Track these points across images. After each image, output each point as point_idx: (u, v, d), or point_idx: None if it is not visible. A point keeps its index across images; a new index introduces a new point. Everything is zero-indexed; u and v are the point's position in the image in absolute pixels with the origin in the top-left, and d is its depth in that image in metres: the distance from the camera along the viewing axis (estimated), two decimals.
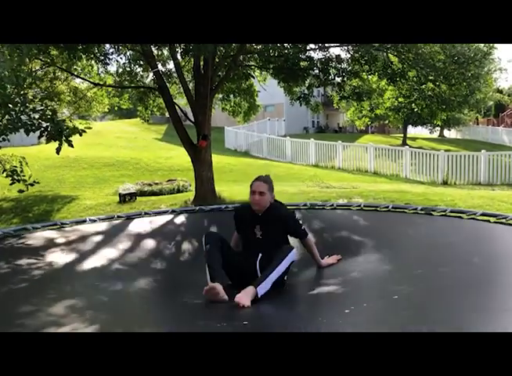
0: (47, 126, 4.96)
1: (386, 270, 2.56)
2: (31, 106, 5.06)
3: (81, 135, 5.12)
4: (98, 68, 9.17)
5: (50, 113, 5.12)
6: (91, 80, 9.11)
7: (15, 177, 6.33)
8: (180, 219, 4.14)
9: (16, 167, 6.55)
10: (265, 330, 1.95)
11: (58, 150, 5.05)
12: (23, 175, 6.44)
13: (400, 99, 15.32)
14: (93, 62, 8.66)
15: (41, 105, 5.25)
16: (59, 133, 4.90)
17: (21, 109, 4.84)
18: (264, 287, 2.32)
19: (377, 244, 3.01)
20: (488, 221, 3.21)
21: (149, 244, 3.34)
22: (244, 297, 2.22)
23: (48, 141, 5.06)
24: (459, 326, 1.68)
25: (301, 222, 2.89)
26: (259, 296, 2.28)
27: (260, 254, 2.59)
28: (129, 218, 4.09)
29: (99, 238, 3.51)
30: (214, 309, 2.18)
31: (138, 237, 3.46)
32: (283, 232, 2.75)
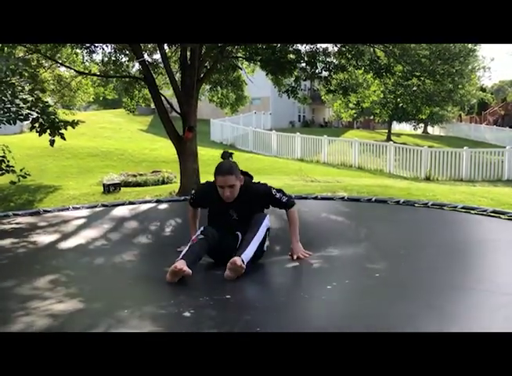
0: (37, 117, 4.92)
1: (367, 250, 2.63)
2: (21, 97, 4.98)
3: (73, 127, 5.10)
4: (83, 56, 9.06)
5: (41, 104, 5.06)
6: (75, 68, 9.00)
7: (3, 167, 6.20)
8: (164, 207, 4.14)
9: (4, 157, 6.41)
10: (247, 305, 2.00)
11: (52, 143, 5.03)
12: (12, 166, 6.30)
13: (387, 96, 15.48)
14: (78, 50, 8.56)
15: (32, 96, 5.17)
16: (52, 126, 4.88)
17: (9, 99, 4.78)
18: (247, 254, 2.30)
19: (358, 228, 3.07)
20: (469, 212, 3.29)
21: (132, 227, 3.35)
22: (236, 262, 2.18)
23: (40, 134, 5.02)
24: (439, 303, 1.80)
25: (280, 193, 2.64)
26: (244, 263, 2.23)
27: (239, 234, 2.52)
28: (113, 205, 4.08)
29: (81, 222, 3.52)
30: (196, 284, 2.20)
31: (121, 221, 3.47)
32: (260, 209, 2.63)
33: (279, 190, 2.66)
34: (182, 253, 2.32)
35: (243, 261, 2.23)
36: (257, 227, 2.45)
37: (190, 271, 2.16)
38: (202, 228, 2.53)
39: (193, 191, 2.93)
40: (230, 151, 2.69)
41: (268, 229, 2.54)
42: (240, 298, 2.12)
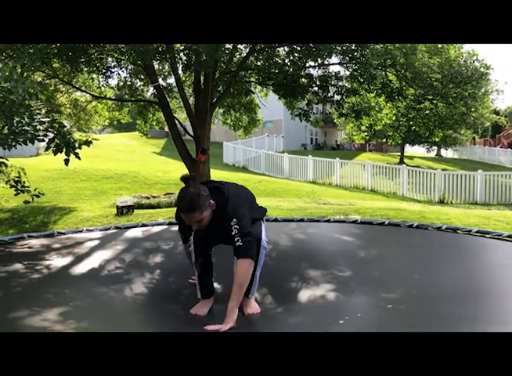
0: (53, 138, 5.02)
1: (380, 276, 2.59)
2: (37, 119, 5.11)
3: (88, 146, 5.19)
4: (98, 81, 9.25)
5: (57, 125, 5.17)
6: (91, 93, 9.19)
7: (18, 187, 6.32)
8: (176, 229, 4.15)
9: (19, 178, 6.55)
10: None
11: (66, 162, 5.12)
12: (28, 186, 6.44)
13: (400, 118, 15.55)
14: (94, 75, 8.74)
15: (48, 117, 5.31)
16: (67, 145, 4.97)
17: (27, 121, 4.90)
18: (253, 291, 2.36)
19: (370, 253, 3.04)
20: (484, 236, 3.24)
21: (145, 250, 3.35)
22: (251, 308, 2.29)
23: (55, 153, 5.13)
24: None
25: (246, 228, 2.20)
26: (253, 297, 2.36)
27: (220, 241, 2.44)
28: (126, 228, 4.10)
29: (94, 244, 3.53)
30: (208, 316, 2.22)
31: (134, 244, 3.48)
32: None
33: (243, 226, 2.19)
34: (198, 291, 2.34)
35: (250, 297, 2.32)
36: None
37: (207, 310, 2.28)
38: (193, 248, 2.39)
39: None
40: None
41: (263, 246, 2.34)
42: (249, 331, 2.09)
